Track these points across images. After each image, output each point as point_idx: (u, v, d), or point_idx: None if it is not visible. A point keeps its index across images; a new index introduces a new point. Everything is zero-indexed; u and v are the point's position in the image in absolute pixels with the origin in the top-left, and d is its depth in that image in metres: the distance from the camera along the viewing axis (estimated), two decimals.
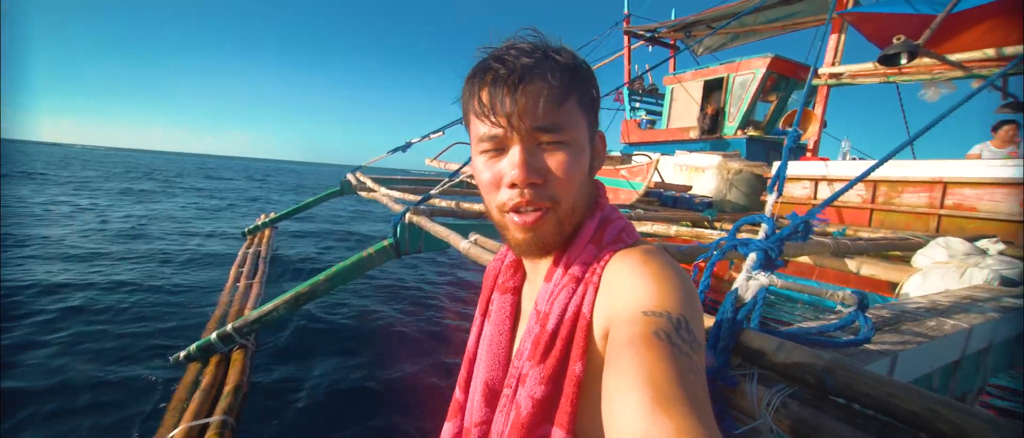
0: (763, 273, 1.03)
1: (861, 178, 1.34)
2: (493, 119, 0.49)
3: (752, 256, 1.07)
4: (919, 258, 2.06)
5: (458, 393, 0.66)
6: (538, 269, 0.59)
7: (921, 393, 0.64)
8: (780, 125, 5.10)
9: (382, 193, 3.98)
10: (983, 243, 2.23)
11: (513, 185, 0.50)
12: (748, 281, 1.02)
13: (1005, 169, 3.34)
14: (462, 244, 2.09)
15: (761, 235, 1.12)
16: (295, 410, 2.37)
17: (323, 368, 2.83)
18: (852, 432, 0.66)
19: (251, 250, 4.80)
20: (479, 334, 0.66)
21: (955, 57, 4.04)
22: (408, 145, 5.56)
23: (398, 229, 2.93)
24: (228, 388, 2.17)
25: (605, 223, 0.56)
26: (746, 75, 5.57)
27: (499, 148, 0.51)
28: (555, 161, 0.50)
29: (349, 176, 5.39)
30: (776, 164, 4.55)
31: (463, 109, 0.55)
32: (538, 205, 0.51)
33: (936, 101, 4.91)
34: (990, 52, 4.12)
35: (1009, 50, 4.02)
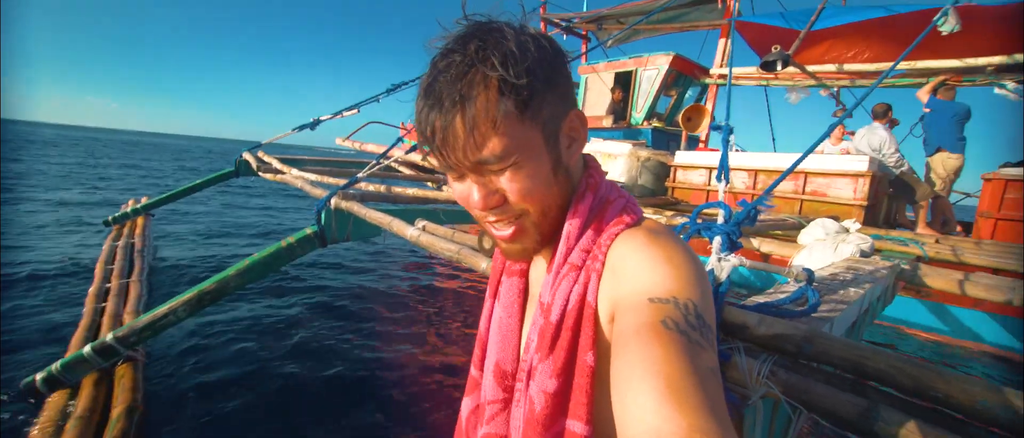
0: (730, 254, 1.13)
1: (791, 170, 1.55)
2: (439, 158, 0.48)
3: (718, 239, 1.17)
4: (804, 235, 2.47)
5: (474, 370, 0.66)
6: (539, 261, 0.60)
7: (884, 353, 0.77)
8: (680, 118, 5.67)
9: (294, 175, 3.57)
10: (846, 223, 2.75)
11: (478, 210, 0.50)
12: (720, 262, 1.12)
13: (846, 163, 4.13)
14: (409, 231, 1.98)
15: (720, 220, 1.23)
16: (205, 428, 2.06)
17: (234, 378, 2.49)
18: (832, 391, 0.77)
19: (120, 243, 3.97)
20: (490, 315, 0.65)
21: (812, 69, 4.87)
22: (317, 122, 5.05)
23: (322, 215, 2.66)
24: (118, 411, 1.81)
25: (603, 204, 0.54)
26: (651, 70, 6.07)
27: (458, 175, 0.50)
28: (507, 183, 0.48)
29: (246, 155, 4.73)
30: (680, 152, 5.07)
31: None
32: (509, 220, 0.51)
33: (796, 104, 5.89)
34: (833, 67, 5.05)
35: (848, 67, 4.96)
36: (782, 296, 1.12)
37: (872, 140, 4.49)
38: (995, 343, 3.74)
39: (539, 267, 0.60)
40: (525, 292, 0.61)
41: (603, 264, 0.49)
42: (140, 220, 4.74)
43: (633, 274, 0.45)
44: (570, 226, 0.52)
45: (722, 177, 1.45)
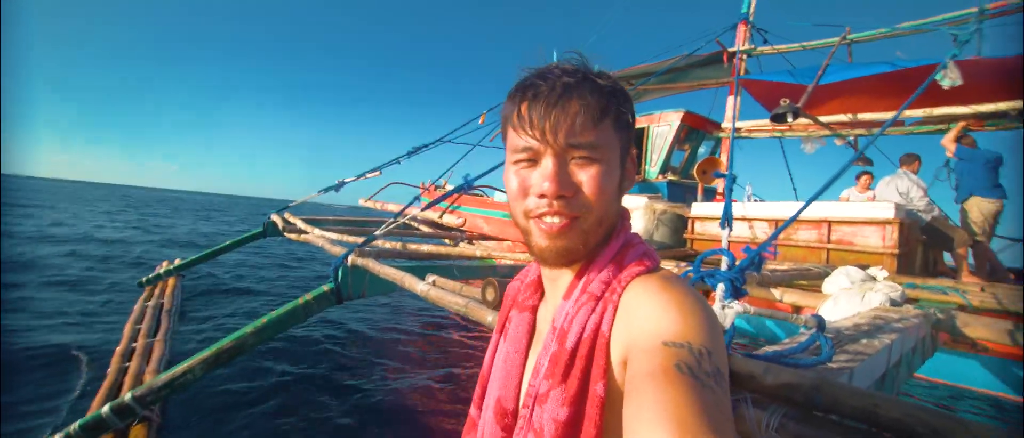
0: (734, 301, 1.11)
1: (794, 219, 1.54)
2: (529, 131, 0.51)
3: (721, 286, 1.15)
4: (828, 285, 2.36)
5: (473, 410, 0.66)
6: (557, 286, 0.59)
7: (900, 402, 0.72)
8: (695, 170, 5.71)
9: (316, 234, 3.71)
10: (872, 271, 2.63)
11: (542, 195, 0.51)
12: (723, 309, 1.10)
13: (871, 210, 4.02)
14: (420, 286, 2.01)
15: (723, 267, 1.22)
16: None
17: None
18: None
19: (151, 303, 4.13)
20: (495, 352, 0.66)
21: (824, 119, 4.90)
22: (341, 184, 5.32)
23: (339, 273, 2.73)
24: None
25: (627, 246, 0.57)
26: (664, 126, 6.22)
27: (532, 159, 0.52)
28: (587, 175, 0.51)
29: (274, 216, 4.97)
30: (696, 205, 5.05)
31: (502, 121, 0.58)
32: (566, 214, 0.52)
33: (812, 153, 5.87)
34: (846, 117, 5.07)
35: (861, 116, 4.97)
36: (793, 345, 1.07)
37: (899, 185, 4.38)
38: None
39: (548, 304, 0.61)
40: (533, 329, 0.62)
41: (619, 300, 0.51)
42: (171, 281, 4.95)
43: (647, 317, 0.46)
44: (601, 256, 0.55)
45: (725, 224, 1.45)
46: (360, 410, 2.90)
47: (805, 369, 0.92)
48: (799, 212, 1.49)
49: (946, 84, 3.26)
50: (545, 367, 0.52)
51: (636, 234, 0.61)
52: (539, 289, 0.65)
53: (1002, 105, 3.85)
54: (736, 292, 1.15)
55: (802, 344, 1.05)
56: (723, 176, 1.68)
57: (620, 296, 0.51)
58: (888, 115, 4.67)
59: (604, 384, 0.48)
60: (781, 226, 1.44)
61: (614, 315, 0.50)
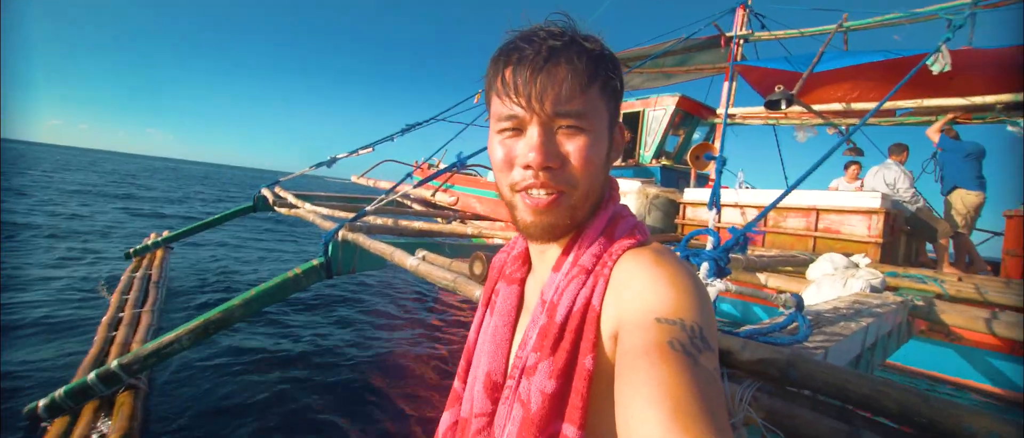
0: (717, 280, 1.13)
1: (777, 203, 1.55)
2: (514, 98, 0.48)
3: (705, 265, 1.17)
4: (812, 271, 2.41)
5: (457, 383, 0.65)
6: (545, 259, 0.58)
7: (869, 377, 0.75)
8: (689, 155, 5.72)
9: (307, 209, 3.68)
10: (855, 258, 2.68)
11: (528, 167, 0.49)
12: (706, 287, 1.12)
13: (858, 199, 4.07)
14: (409, 261, 2.01)
15: (709, 247, 1.23)
16: None
17: (240, 410, 2.48)
18: (817, 416, 0.75)
19: (139, 273, 4.10)
20: (480, 325, 0.65)
21: (817, 108, 4.91)
22: (333, 160, 5.26)
23: (330, 247, 2.72)
24: None
25: (616, 218, 0.56)
26: (659, 111, 6.19)
27: (517, 128, 0.50)
28: (574, 146, 0.49)
29: (265, 191, 4.91)
30: (689, 189, 5.08)
31: (486, 88, 0.55)
32: (552, 188, 0.50)
33: (804, 142, 5.90)
34: (839, 106, 5.08)
35: (855, 106, 4.99)
36: (772, 324, 1.10)
37: (886, 176, 4.44)
38: None
39: (536, 276, 0.61)
40: (520, 301, 0.61)
41: (610, 273, 0.50)
42: (159, 252, 4.90)
43: (639, 292, 0.45)
44: (590, 228, 0.54)
45: (713, 206, 1.46)
46: (348, 384, 2.94)
47: (781, 346, 0.94)
48: (783, 195, 1.51)
49: (936, 69, 3.28)
50: (533, 339, 0.51)
51: (625, 205, 0.60)
52: (526, 261, 0.64)
53: (989, 98, 3.89)
54: (720, 271, 1.17)
55: (780, 324, 1.08)
56: (714, 158, 1.68)
57: (611, 269, 0.50)
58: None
59: (593, 357, 0.47)
60: (766, 208, 1.46)
61: (605, 288, 0.49)
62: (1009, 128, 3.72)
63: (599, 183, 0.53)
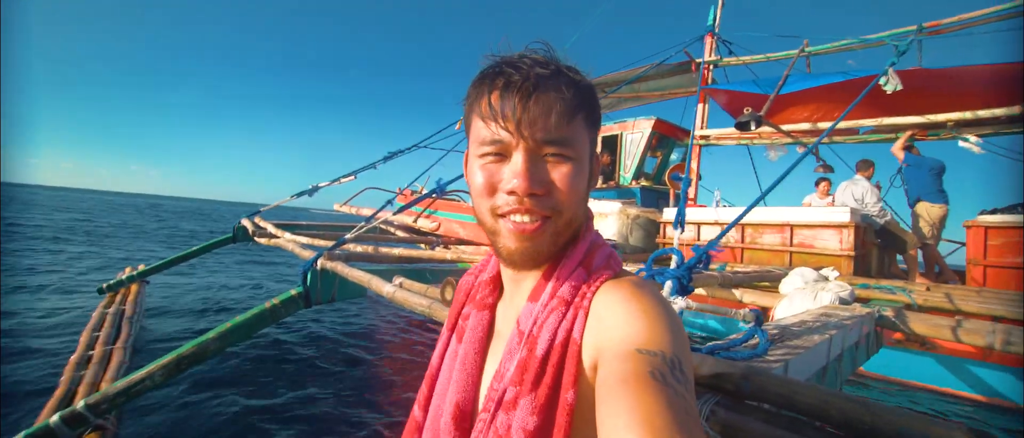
0: (680, 298, 1.16)
1: (739, 219, 1.62)
2: (501, 123, 0.48)
3: (669, 283, 1.21)
4: (784, 285, 2.48)
5: (417, 412, 0.62)
6: (521, 287, 0.57)
7: (816, 388, 0.78)
8: (666, 176, 5.88)
9: (287, 239, 3.65)
10: (824, 272, 2.76)
11: (512, 192, 0.49)
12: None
13: (829, 214, 4.22)
14: (386, 288, 2.01)
15: (673, 266, 1.28)
16: None
17: None
18: (769, 429, 0.77)
19: (111, 310, 3.97)
20: (444, 350, 0.63)
21: (785, 127, 5.13)
22: (315, 189, 5.25)
23: (308, 277, 2.70)
24: None
25: (594, 248, 0.56)
26: (636, 134, 6.38)
27: (500, 153, 0.50)
28: (558, 173, 0.50)
29: (244, 221, 4.86)
30: (668, 209, 5.19)
31: (466, 110, 0.54)
32: (537, 214, 0.50)
33: (776, 161, 6.11)
34: (806, 125, 5.31)
35: (821, 125, 5.22)
36: (734, 339, 1.13)
37: (855, 191, 4.61)
38: (1003, 395, 3.58)
39: (509, 303, 0.60)
40: (491, 328, 0.60)
41: (590, 305, 0.50)
42: (134, 287, 4.77)
43: (619, 324, 0.46)
44: (569, 257, 0.54)
45: (677, 225, 1.52)
46: (325, 417, 2.87)
47: (738, 360, 0.97)
48: (743, 214, 1.57)
49: (889, 89, 3.49)
50: (511, 372, 0.50)
51: (599, 233, 0.61)
52: (498, 286, 0.63)
53: (940, 117, 4.12)
54: (682, 289, 1.21)
55: (740, 339, 1.11)
56: (681, 179, 1.74)
57: (590, 301, 0.50)
58: (846, 124, 4.92)
59: (575, 391, 0.47)
60: (728, 226, 1.51)
61: (585, 320, 0.49)
62: (961, 144, 3.93)
63: (581, 211, 0.54)
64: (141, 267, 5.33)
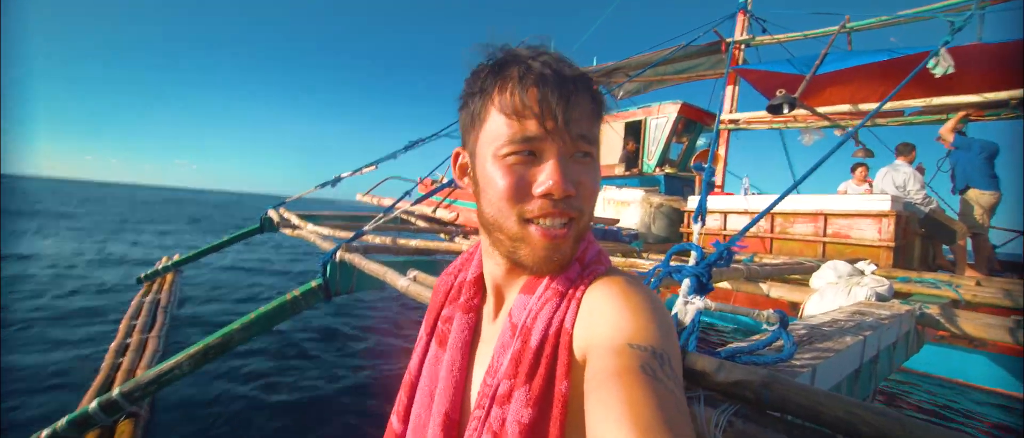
0: (698, 297, 1.10)
1: (769, 210, 1.52)
2: (541, 120, 0.46)
3: (686, 281, 1.14)
4: (815, 279, 2.34)
5: (395, 423, 0.60)
6: (512, 284, 0.56)
7: (843, 399, 0.71)
8: (692, 162, 5.67)
9: (309, 230, 3.72)
10: (860, 265, 2.60)
11: (547, 195, 0.47)
12: (685, 305, 1.08)
13: (867, 202, 3.97)
14: (400, 282, 2.01)
15: (691, 262, 1.20)
16: None
17: (239, 435, 2.48)
18: None
19: (148, 298, 4.17)
20: (424, 356, 0.61)
21: (822, 109, 4.83)
22: (338, 179, 5.32)
23: (328, 268, 2.73)
24: None
25: (587, 244, 0.56)
26: (661, 118, 6.17)
27: (532, 152, 0.48)
28: (586, 174, 0.50)
29: (271, 212, 4.99)
30: (693, 198, 5.02)
31: (478, 105, 0.50)
32: (566, 216, 0.49)
33: (810, 145, 5.80)
34: (846, 107, 4.99)
35: (862, 106, 4.90)
36: (756, 342, 1.06)
37: (896, 178, 4.32)
38: None
39: (490, 305, 0.59)
40: (476, 332, 0.59)
41: (582, 297, 0.50)
42: (169, 276, 4.99)
43: (611, 318, 0.45)
44: None
45: (698, 218, 1.43)
46: (356, 407, 2.93)
47: (760, 366, 0.90)
48: (777, 201, 1.47)
49: (938, 72, 3.21)
50: (505, 366, 0.49)
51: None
52: (481, 287, 0.61)
53: (1002, 94, 3.78)
54: (701, 288, 1.14)
55: (764, 341, 1.04)
56: (702, 168, 1.65)
57: (582, 294, 0.50)
58: (889, 105, 4.60)
59: (568, 383, 0.47)
60: (755, 218, 1.42)
61: (577, 312, 0.49)
62: None
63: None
64: (176, 256, 5.57)
